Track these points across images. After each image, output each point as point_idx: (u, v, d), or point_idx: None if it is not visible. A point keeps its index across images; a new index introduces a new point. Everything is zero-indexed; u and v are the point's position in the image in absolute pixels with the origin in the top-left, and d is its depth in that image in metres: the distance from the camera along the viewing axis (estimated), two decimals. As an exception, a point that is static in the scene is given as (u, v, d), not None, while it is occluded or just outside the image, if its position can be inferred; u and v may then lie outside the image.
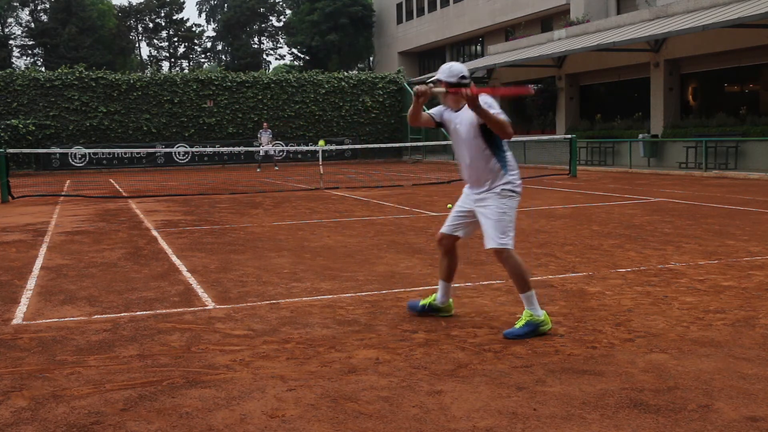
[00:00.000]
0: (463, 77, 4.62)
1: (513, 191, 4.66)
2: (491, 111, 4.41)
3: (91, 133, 31.32)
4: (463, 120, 4.69)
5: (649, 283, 6.11)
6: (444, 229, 4.98)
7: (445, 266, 5.05)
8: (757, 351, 4.21)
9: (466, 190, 4.90)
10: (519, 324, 4.60)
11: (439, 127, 4.99)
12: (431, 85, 4.66)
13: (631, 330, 4.70)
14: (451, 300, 5.15)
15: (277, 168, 28.35)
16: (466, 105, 4.50)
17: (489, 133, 4.59)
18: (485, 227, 4.65)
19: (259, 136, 28.52)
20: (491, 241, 4.61)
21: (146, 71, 64.98)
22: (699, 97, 24.65)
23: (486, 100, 4.43)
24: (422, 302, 5.15)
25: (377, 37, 58.06)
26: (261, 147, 27.29)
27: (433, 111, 4.97)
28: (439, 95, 4.68)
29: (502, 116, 4.44)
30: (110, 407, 3.55)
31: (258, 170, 27.53)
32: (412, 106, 4.87)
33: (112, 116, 31.62)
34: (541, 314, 4.60)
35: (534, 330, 4.55)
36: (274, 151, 28.73)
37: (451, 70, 4.67)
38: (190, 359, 4.29)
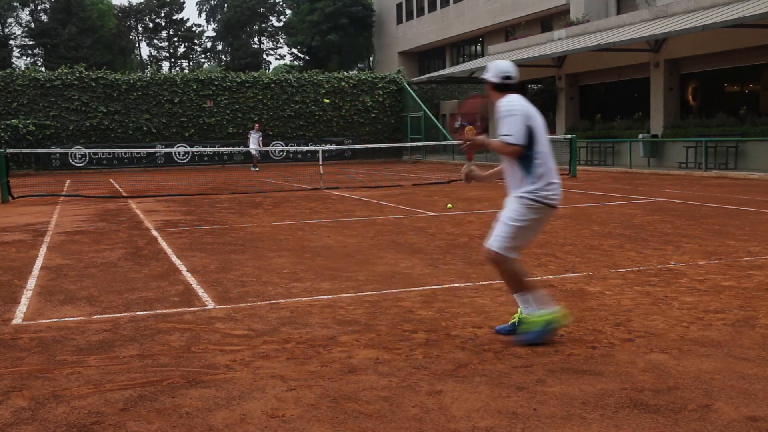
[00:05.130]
0: (507, 77, 4.51)
1: (531, 200, 4.40)
2: (492, 140, 4.44)
3: (91, 133, 31.32)
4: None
5: (649, 283, 6.11)
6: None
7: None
8: (757, 351, 4.21)
9: None
10: (529, 328, 4.51)
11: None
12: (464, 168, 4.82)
13: (631, 330, 4.69)
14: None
15: (256, 169, 27.84)
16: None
17: None
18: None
19: (249, 136, 28.41)
20: (491, 242, 4.51)
21: (146, 71, 64.98)
22: (699, 97, 24.64)
23: (500, 114, 4.38)
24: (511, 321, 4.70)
25: (377, 37, 58.05)
26: (251, 147, 27.11)
27: None
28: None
29: (501, 138, 4.34)
30: (110, 407, 3.55)
31: (253, 170, 27.44)
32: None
33: (112, 116, 31.62)
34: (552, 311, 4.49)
35: (547, 330, 4.45)
36: (258, 152, 28.30)
37: (497, 68, 4.56)
38: (190, 359, 4.29)
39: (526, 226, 4.44)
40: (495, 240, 4.49)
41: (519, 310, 4.56)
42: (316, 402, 3.57)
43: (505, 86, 4.49)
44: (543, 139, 4.43)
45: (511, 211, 4.46)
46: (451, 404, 3.50)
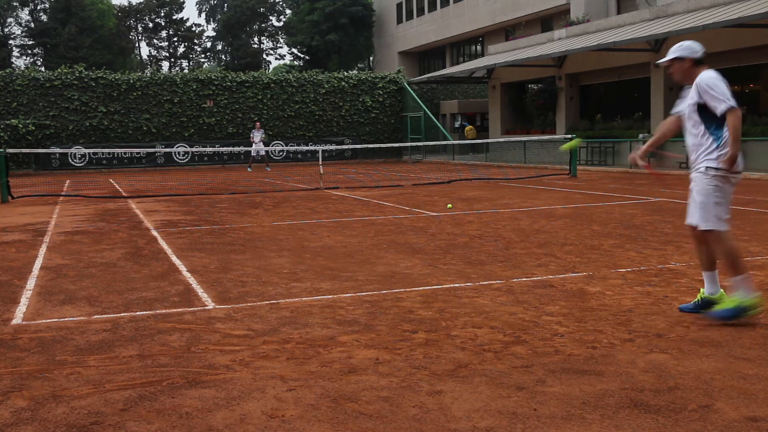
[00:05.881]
0: (702, 53, 4.87)
1: (717, 169, 4.69)
2: (713, 104, 4.64)
3: (91, 133, 31.32)
4: (686, 96, 4.90)
5: (649, 283, 6.11)
6: (689, 220, 4.97)
7: (704, 256, 4.97)
8: (757, 351, 4.21)
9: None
10: (724, 306, 4.70)
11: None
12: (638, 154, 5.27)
13: (631, 330, 4.69)
14: (722, 290, 4.95)
15: (268, 168, 28.17)
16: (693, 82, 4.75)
17: (705, 108, 4.74)
18: (691, 206, 4.85)
19: (252, 135, 28.33)
20: (698, 222, 4.78)
21: (146, 71, 64.98)
22: (699, 97, 24.61)
23: (706, 85, 4.67)
24: (695, 300, 5.05)
25: (377, 37, 58.07)
26: (254, 147, 27.05)
27: (677, 109, 5.12)
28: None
29: (726, 105, 4.59)
30: (110, 407, 3.55)
31: (249, 170, 27.48)
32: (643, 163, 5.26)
33: (111, 116, 31.61)
34: (749, 297, 4.67)
35: (739, 314, 4.65)
36: (265, 151, 28.34)
37: (691, 47, 4.87)
38: (190, 359, 4.29)
39: (721, 195, 4.75)
40: (701, 218, 4.76)
41: (701, 290, 4.86)
42: (316, 402, 3.57)
43: (701, 61, 4.87)
44: None
45: (702, 188, 4.76)
46: (451, 404, 3.49)
